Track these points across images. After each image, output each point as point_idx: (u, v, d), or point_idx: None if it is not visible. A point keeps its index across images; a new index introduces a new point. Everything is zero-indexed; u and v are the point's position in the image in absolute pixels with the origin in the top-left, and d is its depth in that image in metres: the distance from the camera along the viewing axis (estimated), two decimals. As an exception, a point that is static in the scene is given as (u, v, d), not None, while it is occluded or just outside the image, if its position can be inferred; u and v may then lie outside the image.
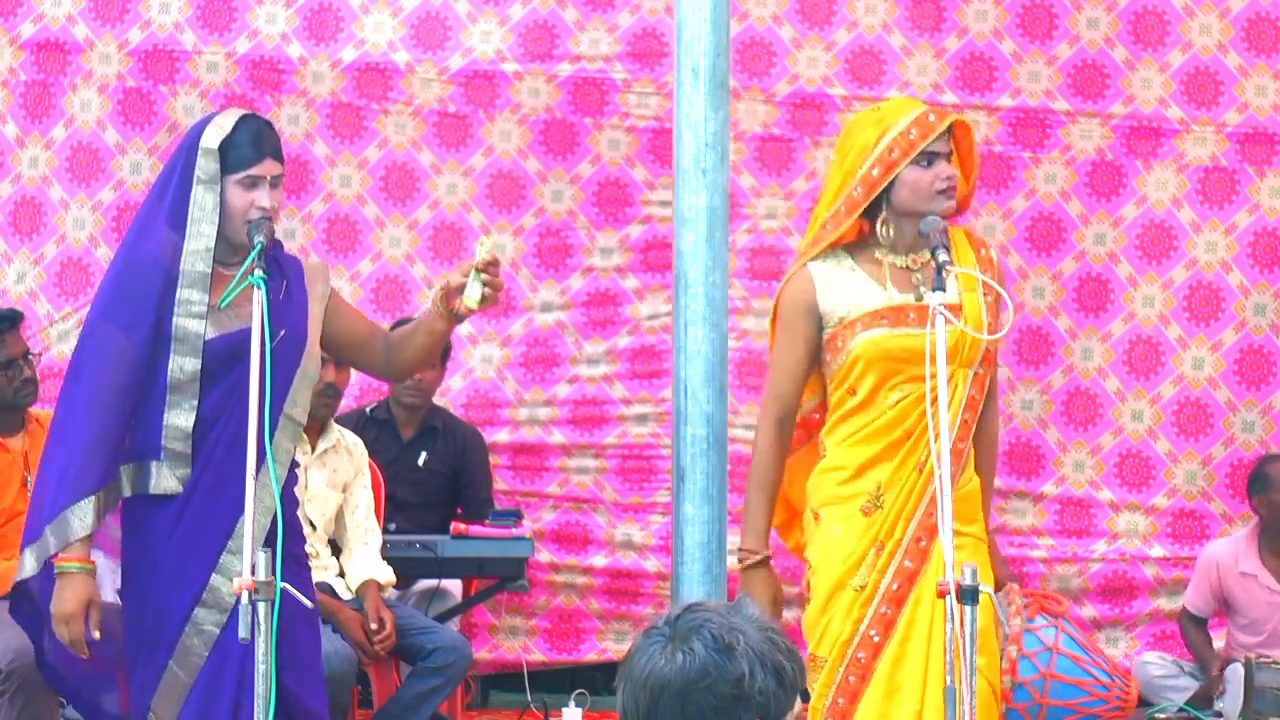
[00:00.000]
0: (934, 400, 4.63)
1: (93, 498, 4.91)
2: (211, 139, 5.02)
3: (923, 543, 5.05)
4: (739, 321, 7.98)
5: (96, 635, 4.96)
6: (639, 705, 3.01)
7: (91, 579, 4.95)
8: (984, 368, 5.14)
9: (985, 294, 5.09)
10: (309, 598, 4.87)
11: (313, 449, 6.88)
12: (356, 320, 5.35)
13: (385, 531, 7.11)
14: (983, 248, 5.22)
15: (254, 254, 4.90)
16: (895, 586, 5.04)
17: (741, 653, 3.00)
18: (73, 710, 6.63)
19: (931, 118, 5.12)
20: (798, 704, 3.12)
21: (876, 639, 5.04)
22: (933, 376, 4.65)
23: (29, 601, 5.10)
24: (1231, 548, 7.69)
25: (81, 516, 4.90)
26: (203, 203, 5.01)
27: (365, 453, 6.97)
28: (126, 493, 4.99)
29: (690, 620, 3.03)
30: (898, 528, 5.06)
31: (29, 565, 5.01)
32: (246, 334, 4.88)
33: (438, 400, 7.89)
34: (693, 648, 3.00)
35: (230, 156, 5.02)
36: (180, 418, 4.97)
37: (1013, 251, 8.19)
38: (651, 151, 8.06)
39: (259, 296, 4.81)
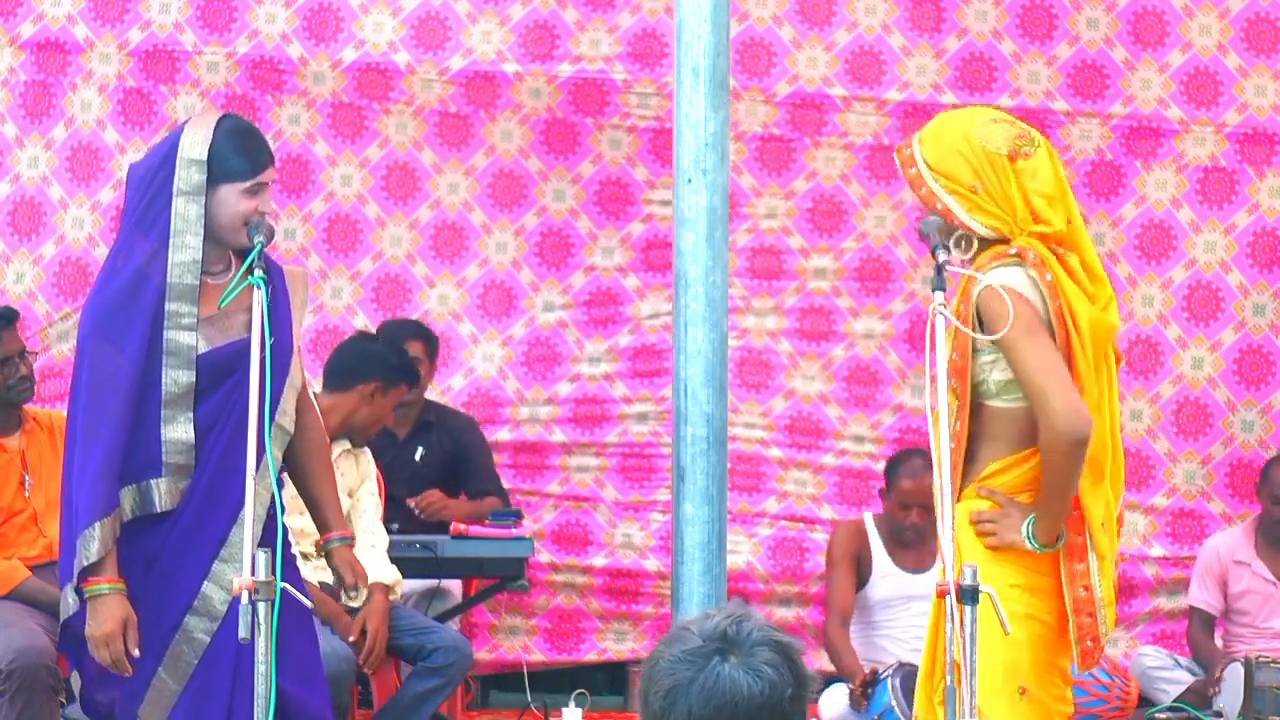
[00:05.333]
0: (934, 403, 4.61)
1: (97, 524, 4.89)
2: (195, 149, 4.95)
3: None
4: (739, 321, 7.98)
5: (136, 653, 4.95)
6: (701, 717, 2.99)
7: (124, 598, 4.94)
8: (958, 382, 4.83)
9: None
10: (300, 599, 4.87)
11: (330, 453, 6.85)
12: (297, 374, 5.21)
13: (388, 532, 7.10)
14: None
15: (254, 253, 4.88)
16: None
17: (798, 656, 3.03)
18: (73, 710, 6.64)
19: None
20: None
21: None
22: (933, 379, 4.64)
23: (75, 638, 5.09)
24: (1229, 538, 7.80)
25: (86, 544, 4.89)
26: (185, 214, 4.95)
27: (372, 459, 6.96)
28: (128, 516, 4.95)
29: (749, 632, 3.01)
30: None
31: (72, 602, 5.03)
32: (238, 346, 4.88)
33: (437, 398, 7.89)
34: (770, 662, 2.99)
35: (227, 164, 4.95)
36: (179, 430, 4.95)
37: (1012, 251, 8.19)
38: (652, 151, 8.06)
39: (259, 296, 4.80)
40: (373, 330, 7.71)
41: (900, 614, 7.33)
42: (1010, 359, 4.72)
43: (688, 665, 2.99)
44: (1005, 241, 4.78)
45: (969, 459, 4.86)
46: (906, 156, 4.86)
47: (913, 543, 7.34)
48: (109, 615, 4.92)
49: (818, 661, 7.83)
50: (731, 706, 2.96)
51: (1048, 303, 4.72)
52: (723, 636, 3.00)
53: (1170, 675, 7.64)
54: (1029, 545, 4.77)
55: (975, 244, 4.81)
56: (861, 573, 7.50)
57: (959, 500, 4.83)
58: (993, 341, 4.70)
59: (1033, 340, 4.69)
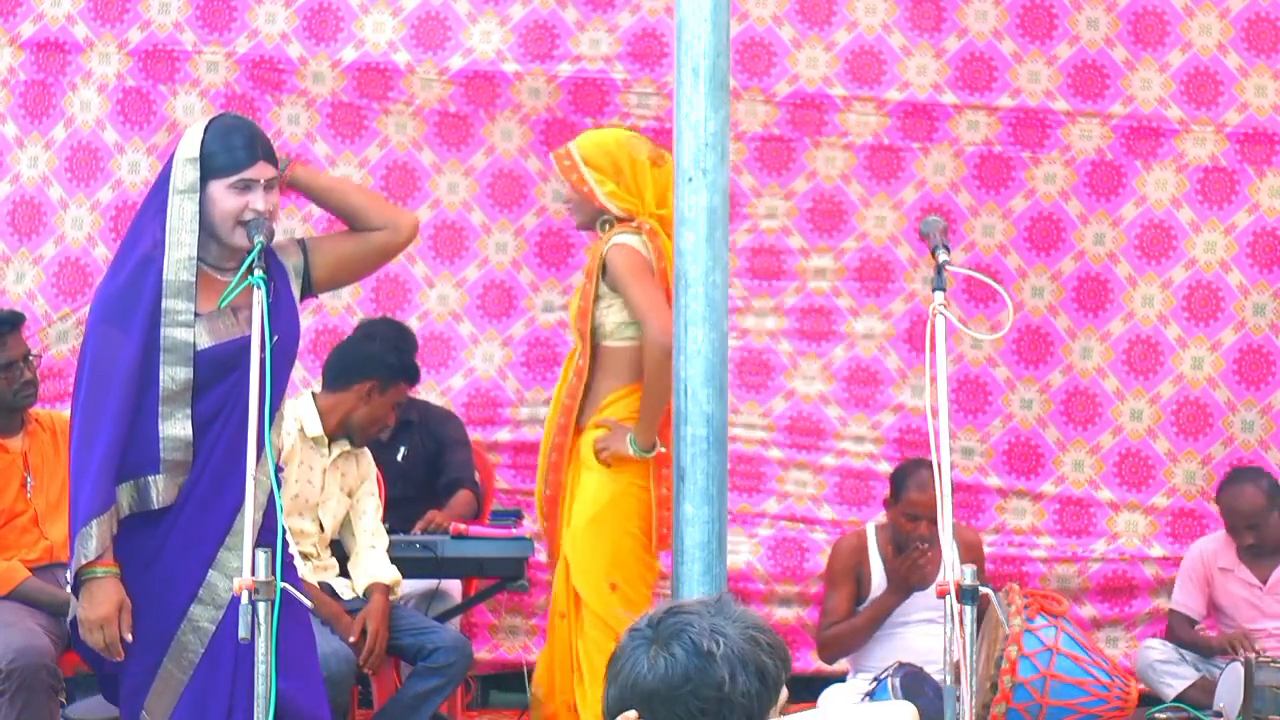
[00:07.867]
0: (934, 399, 4.62)
1: (95, 522, 4.89)
2: (189, 147, 5.00)
3: None
4: (739, 321, 7.98)
5: (129, 637, 4.95)
6: (623, 707, 3.05)
7: (119, 582, 4.94)
8: (582, 324, 6.19)
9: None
10: (298, 598, 4.86)
11: (329, 453, 6.85)
12: (339, 242, 5.27)
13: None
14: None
15: (254, 253, 4.89)
16: None
17: (722, 657, 3.04)
18: (73, 710, 6.63)
19: None
20: (784, 696, 3.16)
21: None
22: (933, 378, 4.65)
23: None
24: (1214, 544, 7.79)
25: (84, 541, 4.89)
26: (181, 211, 4.98)
27: (371, 459, 6.96)
28: (125, 513, 4.96)
29: (672, 624, 3.06)
30: None
31: (74, 605, 5.03)
32: (242, 343, 4.88)
33: (436, 399, 7.89)
34: (673, 653, 3.04)
35: (219, 160, 4.98)
36: (177, 427, 4.95)
37: (1012, 251, 8.20)
38: (652, 151, 8.05)
39: (259, 296, 4.81)
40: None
41: (897, 630, 7.30)
42: (625, 296, 6.09)
43: (622, 648, 3.10)
44: (632, 219, 6.20)
45: (588, 394, 6.20)
46: (562, 155, 6.30)
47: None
48: (105, 598, 4.91)
49: (814, 662, 7.82)
50: (630, 689, 3.07)
51: (653, 260, 6.14)
52: (654, 624, 3.09)
53: (1175, 670, 7.62)
54: (632, 451, 6.08)
55: (613, 222, 6.20)
56: (860, 590, 7.45)
57: (579, 436, 6.21)
58: (610, 288, 6.11)
59: (640, 280, 6.09)
